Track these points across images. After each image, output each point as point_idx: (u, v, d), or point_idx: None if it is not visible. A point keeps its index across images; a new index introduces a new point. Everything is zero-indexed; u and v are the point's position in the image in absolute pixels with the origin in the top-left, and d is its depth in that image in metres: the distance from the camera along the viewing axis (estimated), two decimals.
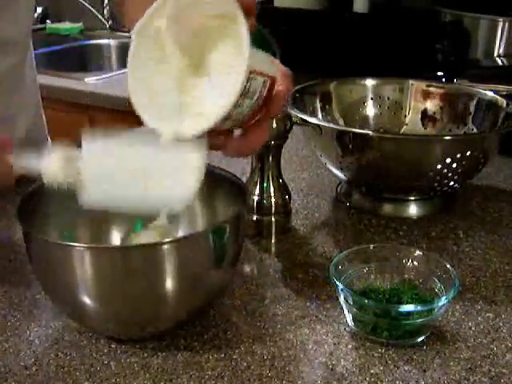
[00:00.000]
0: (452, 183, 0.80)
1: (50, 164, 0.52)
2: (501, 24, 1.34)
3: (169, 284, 0.54)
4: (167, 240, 0.55)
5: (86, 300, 0.54)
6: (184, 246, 0.55)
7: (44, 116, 1.00)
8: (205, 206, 0.67)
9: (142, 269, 0.53)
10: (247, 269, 0.71)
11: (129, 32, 0.53)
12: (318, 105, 0.93)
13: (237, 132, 0.54)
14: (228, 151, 0.54)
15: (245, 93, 0.49)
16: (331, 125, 0.85)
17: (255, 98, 0.51)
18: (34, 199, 0.60)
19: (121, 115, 1.57)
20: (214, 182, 0.65)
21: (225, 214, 0.63)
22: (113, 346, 0.58)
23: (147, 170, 0.52)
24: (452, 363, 0.56)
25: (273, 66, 0.53)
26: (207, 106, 0.51)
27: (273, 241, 0.77)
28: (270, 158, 0.75)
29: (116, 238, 0.68)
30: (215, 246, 0.56)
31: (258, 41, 0.50)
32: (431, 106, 0.95)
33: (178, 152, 0.51)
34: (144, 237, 0.64)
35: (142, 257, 0.53)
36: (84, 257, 0.53)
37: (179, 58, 0.53)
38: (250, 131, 0.53)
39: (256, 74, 0.49)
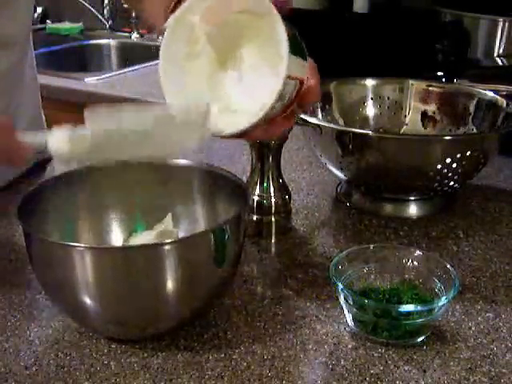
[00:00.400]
0: (452, 183, 0.80)
1: (57, 138, 0.51)
2: (501, 24, 1.34)
3: (170, 285, 0.54)
4: (168, 241, 0.55)
5: (87, 301, 0.54)
6: (185, 247, 0.55)
7: (43, 116, 1.00)
8: (206, 205, 0.67)
9: (143, 269, 0.53)
10: (247, 269, 0.71)
11: (149, 30, 0.55)
12: (318, 105, 0.93)
13: None
14: (249, 137, 0.56)
15: (279, 97, 0.51)
16: (331, 125, 0.85)
17: (286, 99, 0.53)
18: (34, 199, 0.60)
19: None
20: (215, 182, 0.65)
21: (226, 213, 0.63)
22: (113, 346, 0.58)
23: (153, 130, 0.52)
24: (452, 363, 0.56)
25: (302, 69, 0.54)
26: (243, 106, 0.53)
27: (273, 241, 0.77)
28: (270, 158, 0.75)
29: (117, 239, 0.68)
30: (216, 247, 0.56)
31: (292, 44, 0.51)
32: (431, 106, 0.95)
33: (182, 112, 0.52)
34: (145, 238, 0.64)
35: (143, 257, 0.53)
36: (85, 257, 0.53)
37: (211, 53, 0.54)
38: (275, 120, 0.55)
39: (290, 78, 0.51)
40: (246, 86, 0.53)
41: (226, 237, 0.57)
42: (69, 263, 0.53)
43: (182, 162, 0.67)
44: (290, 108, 0.55)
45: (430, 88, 0.95)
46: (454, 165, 0.77)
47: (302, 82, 0.54)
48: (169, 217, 0.66)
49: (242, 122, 0.52)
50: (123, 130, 0.51)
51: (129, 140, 0.52)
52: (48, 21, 2.34)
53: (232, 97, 0.54)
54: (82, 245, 0.58)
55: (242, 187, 0.62)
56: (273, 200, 0.77)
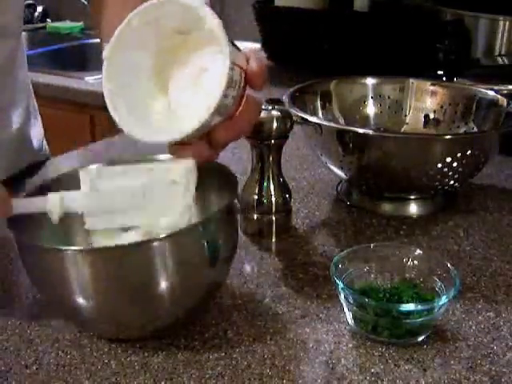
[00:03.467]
0: (452, 182, 0.80)
1: (49, 205, 0.55)
2: (501, 23, 1.34)
3: (161, 281, 0.54)
4: (157, 237, 0.53)
5: (82, 303, 0.54)
6: (174, 242, 0.54)
7: (39, 115, 0.99)
8: (196, 199, 0.66)
9: (132, 268, 0.53)
10: (247, 268, 0.71)
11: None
12: (319, 104, 0.93)
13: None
14: (215, 140, 0.55)
15: (230, 83, 0.51)
16: (331, 124, 0.85)
17: (236, 88, 0.53)
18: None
19: None
20: (205, 175, 0.64)
21: (217, 206, 0.63)
22: (113, 345, 0.58)
23: (142, 193, 0.54)
24: (452, 362, 0.56)
25: (241, 55, 0.55)
26: (194, 104, 0.53)
27: (273, 240, 0.77)
28: (271, 157, 0.75)
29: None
30: (207, 240, 0.56)
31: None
32: (432, 105, 0.95)
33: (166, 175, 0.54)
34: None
35: (132, 255, 0.53)
36: (76, 260, 0.53)
37: (154, 70, 0.56)
38: (236, 116, 0.55)
39: (235, 65, 0.52)
40: (198, 88, 0.54)
41: (217, 229, 0.56)
42: (61, 267, 0.53)
43: (169, 157, 0.66)
44: (243, 99, 0.55)
45: (431, 87, 0.95)
46: (455, 164, 0.77)
47: (245, 70, 0.54)
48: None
49: (201, 114, 0.51)
50: (113, 196, 0.54)
51: (119, 206, 0.55)
52: (48, 20, 2.34)
53: (182, 96, 0.55)
54: (71, 248, 0.57)
55: (231, 177, 0.61)
56: (273, 199, 0.77)
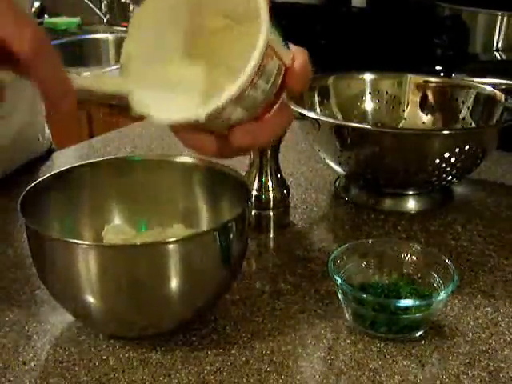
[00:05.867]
0: (450, 178, 0.80)
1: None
2: (499, 18, 1.34)
3: (173, 284, 0.54)
4: (172, 239, 0.54)
5: (89, 299, 0.54)
6: (189, 246, 0.54)
7: (42, 105, 0.99)
8: (208, 203, 0.66)
9: (145, 268, 0.53)
10: (245, 263, 0.70)
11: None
12: (317, 99, 0.93)
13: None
14: (231, 141, 0.46)
15: (261, 71, 0.44)
16: (329, 119, 0.85)
17: (270, 82, 0.45)
18: (35, 195, 0.59)
19: (119, 110, 1.57)
20: (217, 179, 0.64)
21: (228, 211, 0.63)
22: (111, 341, 0.58)
23: None
24: (451, 358, 0.56)
25: (287, 52, 0.47)
26: (217, 83, 0.46)
27: (271, 235, 0.77)
28: (269, 153, 0.75)
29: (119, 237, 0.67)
30: (221, 245, 0.56)
31: (276, 29, 0.46)
32: (429, 100, 0.95)
33: None
34: (148, 237, 0.64)
35: (147, 256, 0.53)
36: (88, 255, 0.52)
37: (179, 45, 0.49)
38: (264, 118, 0.47)
39: (272, 51, 0.44)
40: (227, 68, 0.47)
41: (231, 235, 0.56)
42: (72, 261, 0.53)
43: (184, 158, 0.66)
44: (277, 100, 0.47)
45: (429, 82, 0.95)
46: (453, 159, 0.77)
47: (286, 71, 0.47)
48: (179, 226, 0.65)
49: (218, 100, 0.43)
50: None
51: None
52: (45, 15, 2.33)
53: (207, 80, 0.48)
54: (86, 242, 0.57)
55: (243, 184, 0.61)
56: (271, 195, 0.77)
